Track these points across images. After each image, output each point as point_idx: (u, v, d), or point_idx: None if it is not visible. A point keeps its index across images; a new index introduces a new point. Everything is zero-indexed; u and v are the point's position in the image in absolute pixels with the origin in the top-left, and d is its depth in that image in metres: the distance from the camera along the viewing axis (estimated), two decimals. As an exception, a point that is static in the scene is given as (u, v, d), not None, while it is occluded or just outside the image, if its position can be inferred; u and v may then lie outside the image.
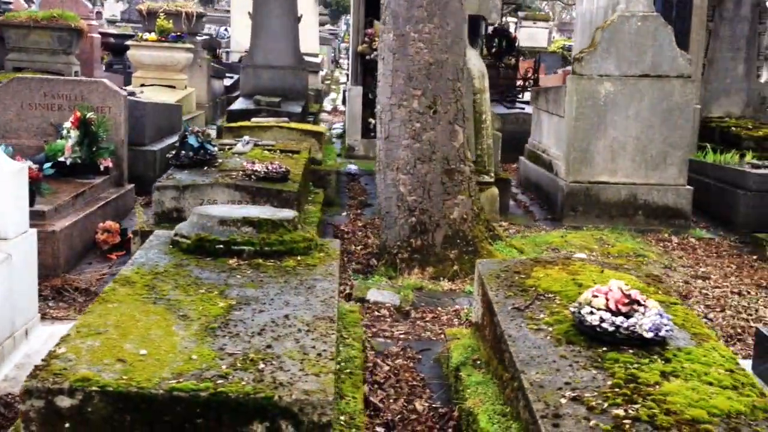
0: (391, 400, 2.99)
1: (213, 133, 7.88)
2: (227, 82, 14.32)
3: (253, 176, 4.49)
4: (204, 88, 12.24)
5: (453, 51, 4.62)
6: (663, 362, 2.54)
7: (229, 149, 5.33)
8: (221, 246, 2.94)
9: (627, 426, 2.16)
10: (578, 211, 6.70)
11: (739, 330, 4.07)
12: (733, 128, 9.33)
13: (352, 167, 8.55)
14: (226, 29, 23.59)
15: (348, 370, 2.68)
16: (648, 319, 2.65)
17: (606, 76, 6.59)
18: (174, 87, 11.11)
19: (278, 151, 5.45)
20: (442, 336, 3.74)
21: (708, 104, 10.29)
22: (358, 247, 5.22)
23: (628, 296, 2.78)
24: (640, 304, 2.76)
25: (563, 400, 2.31)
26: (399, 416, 2.87)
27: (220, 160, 4.94)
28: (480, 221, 4.72)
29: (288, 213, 3.21)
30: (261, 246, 3.00)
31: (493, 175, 6.33)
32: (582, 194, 6.69)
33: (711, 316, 4.29)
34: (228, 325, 2.35)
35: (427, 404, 3.02)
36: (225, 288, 2.65)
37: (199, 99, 11.69)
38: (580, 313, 2.72)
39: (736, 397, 2.34)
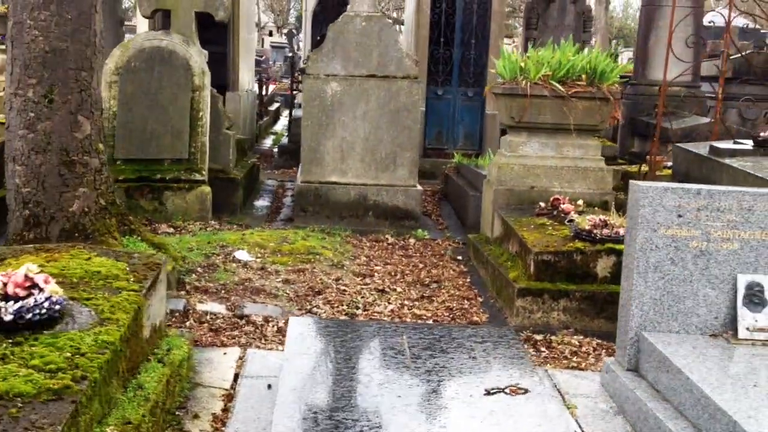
0: None
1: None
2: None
3: None
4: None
5: (76, 39, 4.48)
6: (11, 345, 2.42)
7: None
8: None
9: None
10: (308, 212, 6.63)
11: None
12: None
13: None
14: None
15: None
16: (18, 303, 2.54)
17: (333, 75, 6.55)
18: (-11, 87, 10.82)
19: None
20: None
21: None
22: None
23: (31, 280, 2.67)
24: (39, 289, 2.66)
25: None
26: None
27: None
28: (109, 215, 4.58)
29: None
30: None
31: (205, 173, 6.21)
32: (312, 194, 6.63)
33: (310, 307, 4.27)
34: None
35: None
36: None
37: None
38: (-42, 296, 2.59)
39: (42, 379, 2.25)
